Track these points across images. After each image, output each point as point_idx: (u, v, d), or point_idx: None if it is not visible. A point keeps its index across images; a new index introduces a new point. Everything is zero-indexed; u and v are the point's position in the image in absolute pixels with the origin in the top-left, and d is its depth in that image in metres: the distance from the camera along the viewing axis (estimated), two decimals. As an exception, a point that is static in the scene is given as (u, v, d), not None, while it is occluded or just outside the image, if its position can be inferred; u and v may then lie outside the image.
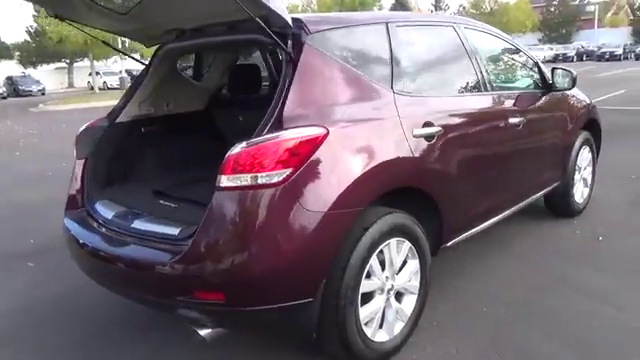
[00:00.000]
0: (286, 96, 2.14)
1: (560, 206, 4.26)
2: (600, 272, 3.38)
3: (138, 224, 2.39)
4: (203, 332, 2.09)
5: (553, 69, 3.80)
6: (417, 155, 2.49)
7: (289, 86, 2.17)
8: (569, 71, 3.74)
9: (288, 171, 1.99)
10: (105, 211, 2.64)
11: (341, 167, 2.16)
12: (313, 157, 2.05)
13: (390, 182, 2.35)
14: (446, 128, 2.67)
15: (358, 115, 2.33)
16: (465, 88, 3.10)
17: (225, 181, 2.01)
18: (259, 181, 1.98)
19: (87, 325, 3.00)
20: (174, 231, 2.23)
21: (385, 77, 2.53)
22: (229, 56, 3.65)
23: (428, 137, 2.56)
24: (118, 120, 3.02)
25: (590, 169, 4.56)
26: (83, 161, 2.90)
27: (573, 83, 3.73)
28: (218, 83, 3.71)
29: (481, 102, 3.13)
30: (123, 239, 2.36)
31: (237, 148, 2.01)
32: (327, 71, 2.31)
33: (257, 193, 1.99)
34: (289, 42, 2.26)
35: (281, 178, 1.98)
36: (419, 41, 2.90)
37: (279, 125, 2.06)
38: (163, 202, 2.71)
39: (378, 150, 2.31)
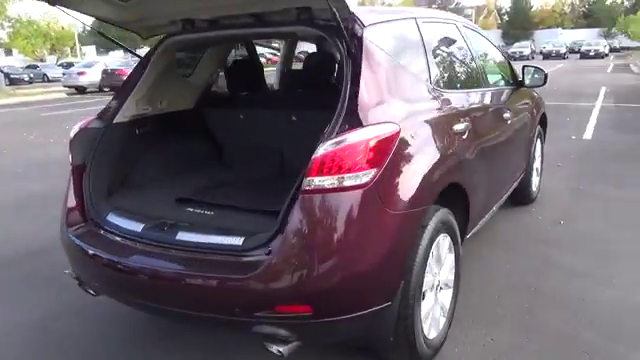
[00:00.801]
0: (357, 92, 2.03)
1: (521, 195, 4.57)
2: (576, 253, 3.69)
3: (185, 236, 2.14)
4: (280, 348, 1.92)
5: (524, 67, 4.05)
6: (457, 150, 2.52)
7: (356, 81, 2.06)
8: (540, 69, 4.02)
9: (374, 171, 1.90)
10: (127, 223, 2.33)
11: (413, 165, 2.11)
12: (392, 155, 1.98)
13: (446, 179, 2.35)
14: (472, 122, 2.73)
15: (415, 111, 2.30)
16: (472, 84, 3.21)
17: (310, 183, 1.86)
18: (346, 183, 1.86)
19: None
20: (236, 241, 2.03)
21: (424, 72, 2.53)
22: (221, 51, 3.40)
23: (462, 132, 2.60)
24: (116, 120, 2.68)
25: (540, 159, 4.95)
26: (79, 167, 2.53)
27: (544, 80, 4.01)
28: (208, 80, 3.44)
29: (485, 97, 3.26)
30: (175, 255, 2.10)
31: (322, 148, 1.87)
32: (384, 66, 2.24)
33: (344, 195, 1.87)
34: (345, 35, 2.15)
35: (368, 178, 1.89)
36: (439, 38, 2.94)
37: (356, 123, 1.95)
38: (193, 210, 2.46)
39: (436, 147, 2.30)
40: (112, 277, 2.23)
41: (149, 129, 2.96)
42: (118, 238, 2.29)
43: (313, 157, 1.87)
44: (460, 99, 2.83)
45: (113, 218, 2.41)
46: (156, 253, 2.13)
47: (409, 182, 2.07)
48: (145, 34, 2.81)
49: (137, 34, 2.82)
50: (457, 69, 3.14)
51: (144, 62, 2.78)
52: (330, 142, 1.88)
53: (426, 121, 2.34)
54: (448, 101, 2.63)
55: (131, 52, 2.87)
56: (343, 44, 2.14)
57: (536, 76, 3.97)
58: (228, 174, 3.10)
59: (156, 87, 2.89)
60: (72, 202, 2.52)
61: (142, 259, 2.13)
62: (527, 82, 3.96)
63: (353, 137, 1.90)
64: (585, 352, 2.52)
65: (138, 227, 2.28)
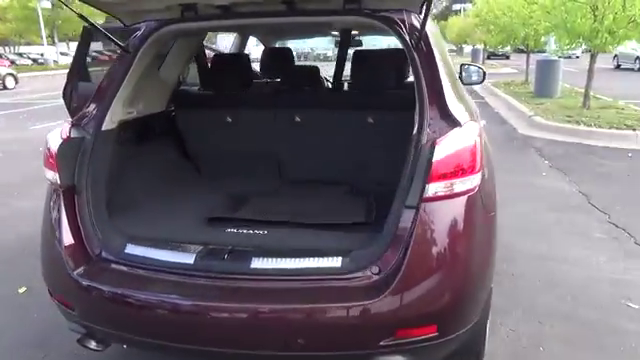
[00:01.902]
0: (440, 88, 1.93)
1: None
2: (525, 235, 3.98)
3: (262, 263, 1.80)
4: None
5: (462, 65, 4.22)
6: None
7: (436, 77, 1.95)
8: (479, 67, 4.25)
9: (481, 173, 1.80)
10: (163, 254, 1.90)
11: (489, 163, 2.06)
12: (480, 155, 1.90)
13: None
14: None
15: (472, 107, 2.25)
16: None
17: (431, 190, 1.70)
18: (460, 187, 1.74)
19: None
20: (332, 262, 1.77)
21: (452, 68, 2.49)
22: (193, 43, 2.95)
23: None
24: (105, 127, 2.17)
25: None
26: (70, 189, 2.01)
27: (483, 78, 4.24)
28: (177, 78, 2.97)
29: None
30: (259, 287, 1.75)
31: (440, 152, 1.72)
32: (445, 59, 2.15)
33: (460, 201, 1.75)
34: (413, 27, 2.02)
35: (478, 181, 1.79)
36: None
37: (452, 122, 1.84)
38: (237, 230, 2.10)
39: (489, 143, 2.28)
40: (161, 323, 1.79)
41: (136, 135, 2.50)
42: (158, 274, 1.84)
43: (434, 161, 1.69)
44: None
45: (136, 250, 1.95)
46: (232, 288, 1.76)
47: (492, 181, 2.02)
48: (129, 20, 2.31)
49: (119, 20, 2.30)
50: None
51: (130, 56, 2.28)
52: (445, 144, 1.73)
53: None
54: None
55: (115, 42, 2.32)
56: (410, 37, 1.99)
57: (475, 74, 4.13)
58: (235, 184, 2.72)
59: (140, 86, 2.41)
60: (68, 235, 1.97)
61: (213, 296, 1.75)
62: (466, 79, 4.15)
63: (465, 138, 1.78)
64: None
65: (186, 258, 1.87)
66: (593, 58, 8.83)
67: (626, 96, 10.67)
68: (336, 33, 4.46)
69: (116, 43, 2.33)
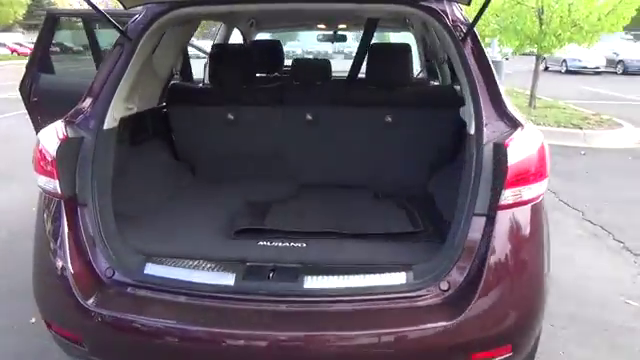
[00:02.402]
0: (496, 86, 1.81)
1: None
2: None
3: (314, 282, 1.59)
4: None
5: None
6: None
7: (489, 74, 1.83)
8: None
9: (547, 179, 1.69)
10: (193, 275, 1.65)
11: None
12: None
13: None
14: None
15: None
16: None
17: (506, 197, 1.57)
18: (529, 194, 1.63)
19: None
20: (395, 279, 1.60)
21: None
22: (186, 33, 2.64)
23: None
24: (107, 126, 1.87)
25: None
26: (72, 200, 1.71)
27: None
28: (170, 70, 2.66)
29: None
30: (318, 310, 1.55)
31: (515, 155, 1.58)
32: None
33: (532, 208, 1.64)
34: (449, 19, 1.88)
35: (544, 188, 1.68)
36: None
37: (512, 122, 1.72)
38: (271, 243, 1.86)
39: None
40: (198, 358, 1.54)
41: (136, 134, 2.25)
42: (191, 299, 1.59)
43: (509, 165, 1.55)
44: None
45: (158, 270, 1.68)
46: (284, 313, 1.53)
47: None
48: (130, 2, 2.00)
49: (119, 1, 1.98)
50: None
51: (131, 44, 1.98)
52: (517, 146, 1.60)
53: None
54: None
55: (117, 27, 1.98)
56: (456, 31, 1.85)
57: None
58: (245, 189, 2.47)
59: (140, 78, 2.12)
60: (73, 256, 1.66)
61: (263, 323, 1.52)
62: None
63: (534, 141, 1.66)
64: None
65: (223, 278, 1.62)
66: (539, 60, 9.19)
67: (559, 96, 11.25)
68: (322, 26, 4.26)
69: (117, 28, 2.01)
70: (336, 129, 2.61)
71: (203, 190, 2.51)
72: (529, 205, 1.63)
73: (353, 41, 5.04)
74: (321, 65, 2.71)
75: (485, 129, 1.70)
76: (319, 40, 4.63)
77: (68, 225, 1.69)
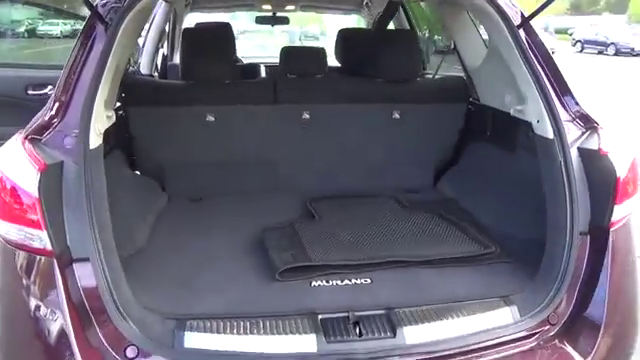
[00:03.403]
0: (563, 80, 1.62)
1: None
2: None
3: (415, 332, 1.28)
4: None
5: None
6: None
7: (555, 68, 1.64)
8: None
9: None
10: (258, 342, 1.26)
11: None
12: None
13: None
14: None
15: None
16: None
17: (618, 212, 1.39)
18: (629, 209, 1.46)
19: None
20: (502, 317, 1.36)
21: None
22: (144, 17, 2.07)
23: None
24: (94, 144, 1.36)
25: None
26: (66, 255, 1.24)
27: None
28: (127, 61, 2.10)
29: None
30: None
31: (621, 165, 1.39)
32: None
33: (627, 226, 1.47)
34: (516, 10, 1.67)
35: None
36: None
37: (588, 123, 1.55)
38: (328, 282, 1.49)
39: None
40: None
41: (115, 149, 1.76)
42: None
43: (618, 177, 1.37)
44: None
45: (201, 340, 1.25)
46: None
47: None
48: None
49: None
50: None
51: (110, 33, 1.46)
52: (619, 155, 1.41)
53: None
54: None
55: (93, 9, 1.41)
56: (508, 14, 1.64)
57: None
58: (245, 209, 2.03)
59: (116, 77, 1.62)
60: (80, 341, 1.17)
61: None
62: None
63: (627, 147, 1.48)
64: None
65: (302, 343, 1.25)
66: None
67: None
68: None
69: (93, 10, 1.46)
70: (337, 129, 2.26)
71: (191, 213, 2.03)
72: (626, 220, 1.46)
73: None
74: (317, 54, 2.32)
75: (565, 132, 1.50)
76: (257, 22, 4.16)
77: (67, 296, 1.18)
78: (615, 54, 22.49)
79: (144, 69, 2.95)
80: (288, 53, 2.28)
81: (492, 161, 2.11)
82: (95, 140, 1.39)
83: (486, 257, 1.62)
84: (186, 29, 2.25)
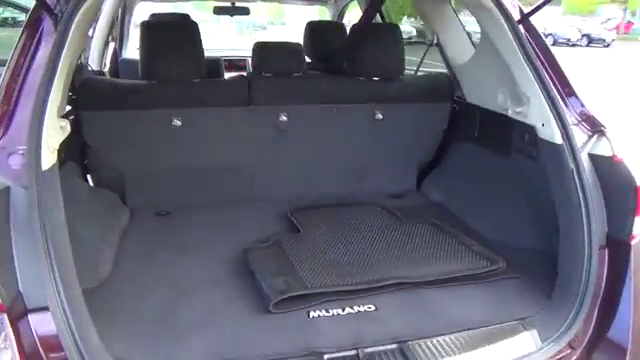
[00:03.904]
0: (566, 79, 1.54)
1: None
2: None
3: None
4: None
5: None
6: None
7: (556, 65, 1.56)
8: None
9: None
10: None
11: None
12: None
13: None
14: None
15: None
16: None
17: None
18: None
19: None
20: (524, 345, 1.26)
21: None
22: (94, 10, 1.80)
23: None
24: (47, 164, 1.13)
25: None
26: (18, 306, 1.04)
27: None
28: (77, 59, 1.82)
29: None
30: None
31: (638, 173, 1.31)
32: None
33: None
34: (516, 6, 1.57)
35: None
36: None
37: (594, 125, 1.46)
38: (328, 312, 1.32)
39: None
40: None
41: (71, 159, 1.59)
42: None
43: (636, 186, 1.29)
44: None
45: None
46: None
47: None
48: None
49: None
50: None
51: (61, 27, 1.22)
52: (633, 161, 1.32)
53: None
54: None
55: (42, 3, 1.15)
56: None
57: None
58: (219, 223, 1.82)
59: (67, 78, 1.38)
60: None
61: None
62: None
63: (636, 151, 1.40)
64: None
65: None
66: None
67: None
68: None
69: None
70: (317, 131, 2.08)
71: (159, 230, 1.79)
72: None
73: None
74: (294, 51, 2.12)
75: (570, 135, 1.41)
76: (215, 13, 3.87)
77: (22, 357, 0.95)
78: (553, 44, 23.48)
79: (93, 64, 2.65)
80: (263, 49, 2.06)
81: (481, 163, 2.00)
82: (48, 158, 1.15)
83: (493, 273, 1.50)
84: (146, 22, 1.98)
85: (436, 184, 2.19)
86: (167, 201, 1.99)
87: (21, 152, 1.13)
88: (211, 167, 2.03)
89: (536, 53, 1.53)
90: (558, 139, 1.43)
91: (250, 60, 4.11)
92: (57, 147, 1.23)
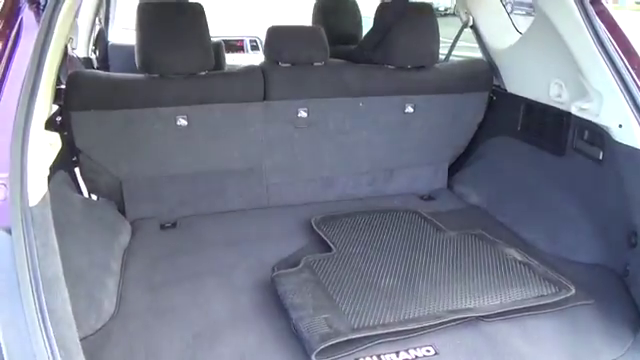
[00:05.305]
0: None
1: None
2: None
3: None
4: None
5: None
6: None
7: (630, 45, 1.32)
8: None
9: None
10: None
11: None
12: None
13: None
14: None
15: None
16: None
17: None
18: None
19: None
20: None
21: None
22: None
23: None
24: (34, 199, 0.89)
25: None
26: None
27: None
28: (64, 47, 1.55)
29: None
30: None
31: None
32: None
33: None
34: None
35: None
36: None
37: None
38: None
39: None
40: None
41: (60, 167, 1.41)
42: None
43: None
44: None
45: None
46: None
47: None
48: None
49: None
50: None
51: (47, 19, 0.96)
52: None
53: None
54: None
55: None
56: None
57: None
58: (236, 237, 1.59)
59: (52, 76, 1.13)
60: None
61: None
62: None
63: None
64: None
65: None
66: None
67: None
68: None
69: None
70: (340, 128, 1.83)
71: (166, 249, 1.54)
72: None
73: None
74: (315, 36, 1.85)
75: None
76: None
77: None
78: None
79: (81, 51, 2.36)
80: (278, 35, 1.79)
81: (526, 162, 1.78)
82: (37, 188, 0.90)
83: (564, 300, 1.29)
84: (144, 3, 1.69)
85: (472, 184, 1.97)
86: (172, 211, 1.75)
87: (1, 182, 0.89)
88: (221, 170, 1.78)
89: (609, 40, 1.30)
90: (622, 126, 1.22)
91: (248, 40, 3.88)
92: (47, 173, 0.98)
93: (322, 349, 1.09)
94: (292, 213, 1.78)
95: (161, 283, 1.37)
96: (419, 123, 1.91)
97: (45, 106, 1.01)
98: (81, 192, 1.76)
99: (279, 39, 1.78)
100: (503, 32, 1.88)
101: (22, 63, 0.96)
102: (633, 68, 1.30)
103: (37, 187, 0.90)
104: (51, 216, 0.92)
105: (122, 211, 1.73)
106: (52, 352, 0.79)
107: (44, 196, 0.92)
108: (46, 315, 0.80)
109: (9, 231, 0.85)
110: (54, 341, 0.80)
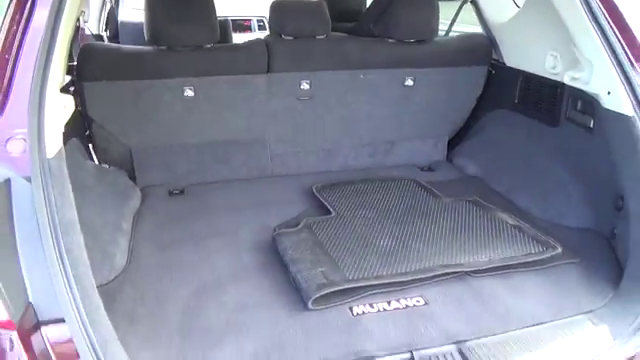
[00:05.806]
0: (635, 39, 1.33)
1: None
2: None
3: None
4: None
5: None
6: None
7: (621, 21, 1.34)
8: None
9: None
10: None
11: None
12: None
13: None
14: None
15: None
16: None
17: None
18: None
19: None
20: (597, 341, 1.13)
21: None
22: None
23: None
24: (52, 153, 0.97)
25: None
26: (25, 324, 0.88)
27: None
28: (75, 21, 1.63)
29: None
30: None
31: None
32: None
33: None
34: None
35: None
36: None
37: None
38: (373, 308, 1.20)
39: None
40: None
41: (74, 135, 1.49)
42: None
43: None
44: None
45: None
46: None
47: None
48: None
49: None
50: None
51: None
52: None
53: None
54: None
55: None
56: None
57: None
58: (240, 202, 1.68)
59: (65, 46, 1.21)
60: None
61: None
62: None
63: None
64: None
65: None
66: None
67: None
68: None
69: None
70: (341, 99, 1.90)
71: (174, 212, 1.63)
72: None
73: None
74: (318, 10, 1.90)
75: None
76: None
77: None
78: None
79: (91, 27, 2.43)
80: (282, 9, 1.85)
81: (523, 133, 1.83)
82: (54, 143, 0.98)
83: (550, 259, 1.35)
84: None
85: (470, 156, 2.03)
86: (180, 178, 1.84)
87: (20, 137, 0.97)
88: (226, 140, 1.86)
89: (600, 9, 1.34)
90: (628, 110, 1.26)
91: (255, 20, 3.94)
92: (62, 129, 1.06)
93: (318, 297, 1.17)
94: (295, 182, 1.85)
95: (169, 242, 1.46)
96: (419, 96, 1.97)
97: (59, 70, 1.09)
98: (93, 161, 1.85)
99: (283, 13, 1.84)
100: (502, 6, 1.92)
101: (38, 30, 1.04)
102: (623, 37, 1.35)
103: (53, 142, 0.98)
104: (67, 171, 1.01)
105: (132, 179, 1.81)
106: (70, 287, 0.87)
107: (60, 150, 1.00)
108: (64, 254, 0.89)
109: (29, 180, 0.93)
110: (72, 277, 0.88)
